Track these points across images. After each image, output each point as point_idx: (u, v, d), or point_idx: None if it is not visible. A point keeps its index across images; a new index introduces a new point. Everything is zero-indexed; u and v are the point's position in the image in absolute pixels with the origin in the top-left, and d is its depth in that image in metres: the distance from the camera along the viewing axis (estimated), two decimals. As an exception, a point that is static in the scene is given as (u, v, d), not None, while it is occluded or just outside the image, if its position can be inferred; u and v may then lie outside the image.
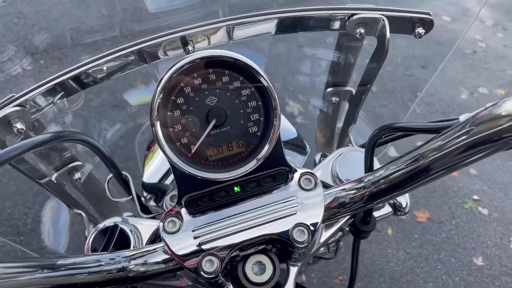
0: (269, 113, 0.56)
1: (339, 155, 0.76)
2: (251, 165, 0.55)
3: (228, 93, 0.55)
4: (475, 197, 2.87)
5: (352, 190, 0.57)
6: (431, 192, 2.85)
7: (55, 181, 0.75)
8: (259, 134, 0.56)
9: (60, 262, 0.48)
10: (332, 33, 0.83)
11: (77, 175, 0.78)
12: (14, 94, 0.63)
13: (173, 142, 0.54)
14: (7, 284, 0.42)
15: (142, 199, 0.75)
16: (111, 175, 0.78)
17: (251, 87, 0.55)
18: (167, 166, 0.74)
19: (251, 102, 0.56)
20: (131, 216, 0.68)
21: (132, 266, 0.52)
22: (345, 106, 0.97)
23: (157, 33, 0.70)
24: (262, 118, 0.56)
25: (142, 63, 0.72)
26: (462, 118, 0.49)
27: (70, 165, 0.76)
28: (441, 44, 3.91)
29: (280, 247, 0.60)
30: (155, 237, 0.64)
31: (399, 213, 0.84)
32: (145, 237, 0.63)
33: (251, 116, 0.56)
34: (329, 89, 0.95)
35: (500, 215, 2.77)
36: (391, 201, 0.83)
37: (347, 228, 0.75)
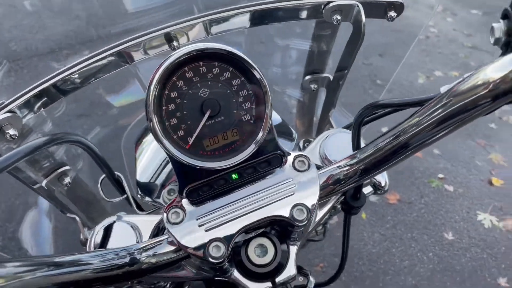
0: (260, 101, 0.58)
1: (326, 137, 0.79)
2: (249, 150, 0.57)
3: (220, 84, 0.57)
4: (440, 175, 3.00)
5: (345, 167, 0.60)
6: (399, 174, 2.96)
7: (46, 187, 0.74)
8: (252, 121, 0.58)
9: (71, 259, 0.48)
10: (303, 25, 0.86)
11: (67, 180, 0.77)
12: (4, 100, 0.62)
13: (171, 136, 0.55)
14: (20, 284, 0.42)
15: (139, 196, 0.75)
16: (103, 175, 0.77)
17: (241, 77, 0.57)
18: (159, 162, 0.75)
19: (242, 92, 0.58)
20: (126, 214, 0.68)
21: (143, 258, 0.52)
22: (323, 93, 1.00)
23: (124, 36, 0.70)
24: (253, 106, 0.58)
25: (124, 64, 0.73)
26: (443, 89, 0.53)
27: (59, 171, 0.75)
28: (397, 32, 4.06)
29: (279, 229, 0.62)
30: (157, 231, 0.64)
31: (379, 192, 0.88)
32: (145, 232, 0.64)
33: (243, 105, 0.58)
34: (307, 77, 0.98)
35: (465, 190, 2.91)
36: (371, 181, 0.87)
37: (338, 206, 0.78)
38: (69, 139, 0.65)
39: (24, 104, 0.63)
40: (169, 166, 0.74)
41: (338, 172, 0.60)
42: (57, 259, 0.47)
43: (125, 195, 0.77)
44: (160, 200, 0.70)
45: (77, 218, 0.79)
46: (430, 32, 4.71)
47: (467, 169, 3.07)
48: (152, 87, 0.53)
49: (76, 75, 0.67)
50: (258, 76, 0.57)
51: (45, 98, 0.66)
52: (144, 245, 0.54)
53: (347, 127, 0.89)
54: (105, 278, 0.50)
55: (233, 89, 0.57)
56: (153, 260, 0.53)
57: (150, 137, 0.79)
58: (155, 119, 0.54)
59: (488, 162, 3.15)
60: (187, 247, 0.53)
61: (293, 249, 0.62)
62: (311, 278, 0.79)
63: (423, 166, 3.03)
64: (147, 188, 0.75)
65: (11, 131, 0.62)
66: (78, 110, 2.93)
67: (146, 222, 0.63)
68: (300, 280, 0.76)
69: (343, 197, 0.75)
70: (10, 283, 0.38)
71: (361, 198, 0.73)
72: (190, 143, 0.56)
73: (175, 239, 0.53)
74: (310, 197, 0.57)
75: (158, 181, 0.74)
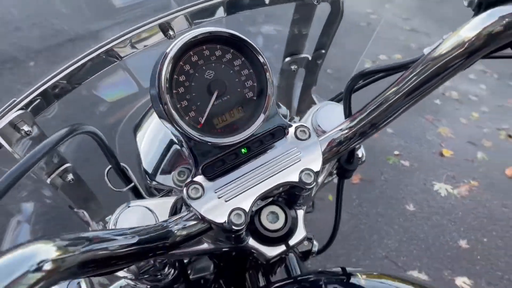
0: (261, 79, 0.62)
1: (317, 110, 0.84)
2: (255, 125, 0.60)
3: (223, 66, 0.60)
4: (396, 152, 3.16)
5: (345, 130, 0.65)
6: (359, 155, 3.09)
7: (50, 185, 0.73)
8: (255, 98, 0.62)
9: (119, 232, 0.49)
10: (279, 10, 0.90)
11: (70, 177, 0.76)
12: (15, 98, 0.62)
13: (183, 117, 0.58)
14: (71, 258, 0.42)
15: (148, 182, 0.76)
16: (109, 167, 0.78)
17: (241, 57, 0.61)
18: (163, 148, 0.76)
19: (243, 71, 0.61)
20: (137, 200, 0.70)
21: (175, 232, 0.55)
22: (303, 73, 1.05)
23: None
24: (255, 84, 0.62)
25: (117, 59, 0.74)
26: (426, 51, 0.60)
27: (61, 168, 0.75)
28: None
29: (287, 197, 0.66)
30: (175, 210, 0.66)
31: (359, 163, 0.94)
32: (159, 215, 0.65)
33: (245, 83, 0.61)
34: (287, 59, 1.02)
35: (420, 164, 3.09)
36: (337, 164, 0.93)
37: (334, 172, 0.83)
38: (85, 130, 0.66)
39: (34, 101, 0.64)
40: (174, 150, 0.75)
41: (338, 137, 0.65)
42: (105, 234, 0.48)
43: (133, 184, 0.78)
44: (171, 183, 0.72)
45: (85, 213, 0.79)
46: (370, 18, 4.93)
47: (420, 144, 3.26)
48: (163, 73, 0.55)
49: (82, 70, 0.68)
50: (257, 55, 0.60)
51: (54, 93, 0.67)
52: (174, 218, 0.57)
53: (332, 100, 0.94)
54: (146, 252, 0.52)
55: (235, 69, 0.61)
56: (184, 232, 0.56)
57: (151, 125, 0.80)
58: (170, 102, 0.56)
59: (438, 135, 3.36)
60: (210, 219, 0.56)
61: (300, 213, 0.67)
62: (315, 242, 0.84)
63: (379, 145, 3.18)
64: (154, 174, 0.76)
65: (25, 127, 0.63)
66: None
67: (159, 204, 0.65)
68: (305, 244, 0.81)
69: (338, 163, 0.80)
70: (68, 255, 0.39)
71: (354, 162, 0.79)
72: (202, 122, 0.59)
73: (198, 212, 0.56)
74: (315, 162, 0.61)
75: (165, 166, 0.76)
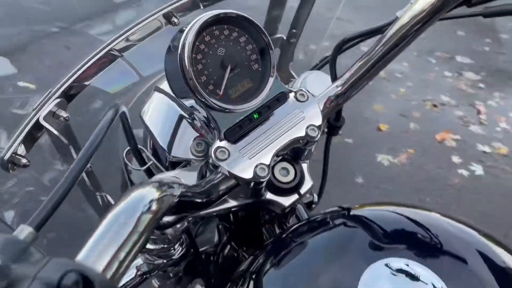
0: (264, 52, 0.71)
1: (304, 78, 0.94)
2: (264, 93, 0.69)
3: (231, 43, 0.69)
4: (339, 132, 3.37)
5: (336, 89, 0.76)
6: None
7: None
8: (260, 69, 0.71)
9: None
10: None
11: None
12: (51, 89, 0.66)
13: (205, 90, 0.65)
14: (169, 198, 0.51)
15: (168, 156, 0.81)
16: (128, 147, 0.83)
17: (245, 34, 0.70)
18: (174, 124, 0.82)
19: (248, 46, 0.70)
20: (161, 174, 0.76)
21: (210, 189, 0.63)
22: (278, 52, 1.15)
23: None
24: (259, 57, 0.71)
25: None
26: (399, 14, 0.72)
27: None
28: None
29: (292, 154, 0.76)
30: (202, 176, 0.73)
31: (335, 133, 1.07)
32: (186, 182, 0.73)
33: (251, 57, 0.70)
34: None
35: (362, 140, 3.33)
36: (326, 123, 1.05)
37: (325, 130, 0.95)
38: (122, 110, 0.72)
39: (68, 90, 0.68)
40: (184, 125, 0.82)
41: (332, 95, 0.76)
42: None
43: (152, 162, 0.83)
44: (189, 155, 0.78)
45: (108, 196, 0.83)
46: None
47: (359, 122, 3.50)
48: (186, 52, 0.63)
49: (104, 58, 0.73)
50: (259, 31, 0.70)
51: (81, 83, 0.72)
52: (207, 179, 0.64)
53: (312, 69, 1.05)
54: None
55: (241, 45, 0.70)
56: (219, 188, 0.64)
57: (159, 107, 0.85)
58: (194, 78, 0.63)
59: (373, 112, 3.63)
60: (238, 175, 0.65)
61: (305, 166, 0.78)
62: (314, 194, 0.96)
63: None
64: (170, 149, 0.82)
65: (63, 114, 0.68)
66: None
67: (181, 174, 0.72)
68: (308, 196, 0.92)
69: (327, 122, 0.92)
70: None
71: (341, 120, 0.91)
72: (221, 93, 0.67)
73: (227, 170, 0.64)
74: (316, 118, 0.72)
75: (179, 140, 0.82)
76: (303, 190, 0.76)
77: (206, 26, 0.66)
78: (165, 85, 0.85)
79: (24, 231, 0.43)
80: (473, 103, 3.77)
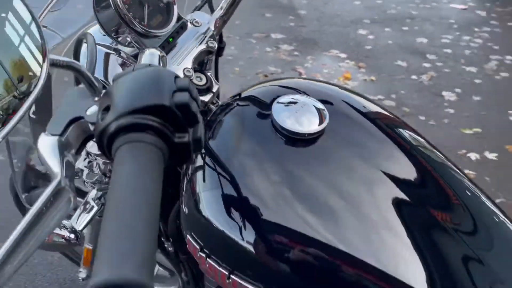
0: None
1: (191, 16, 1.27)
2: (173, 20, 1.01)
3: None
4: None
5: (220, 11, 1.13)
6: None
7: None
8: (165, 7, 1.02)
9: None
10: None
11: None
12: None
13: (135, 22, 0.94)
14: None
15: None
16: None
17: None
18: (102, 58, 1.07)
19: None
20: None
21: None
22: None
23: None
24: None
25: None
26: None
27: None
28: None
29: (199, 66, 1.10)
30: None
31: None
32: None
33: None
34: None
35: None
36: None
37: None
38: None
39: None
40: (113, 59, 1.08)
41: (218, 17, 1.12)
42: None
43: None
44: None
45: None
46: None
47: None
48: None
49: None
50: None
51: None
52: None
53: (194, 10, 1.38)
54: None
55: None
56: None
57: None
58: (128, 14, 0.92)
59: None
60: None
61: (209, 74, 1.12)
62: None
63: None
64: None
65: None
66: None
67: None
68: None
69: None
70: None
71: (223, 42, 1.23)
72: (145, 23, 0.95)
73: None
74: (211, 35, 1.08)
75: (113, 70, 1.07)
76: (214, 89, 1.10)
77: None
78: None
79: None
80: (294, 68, 4.52)
